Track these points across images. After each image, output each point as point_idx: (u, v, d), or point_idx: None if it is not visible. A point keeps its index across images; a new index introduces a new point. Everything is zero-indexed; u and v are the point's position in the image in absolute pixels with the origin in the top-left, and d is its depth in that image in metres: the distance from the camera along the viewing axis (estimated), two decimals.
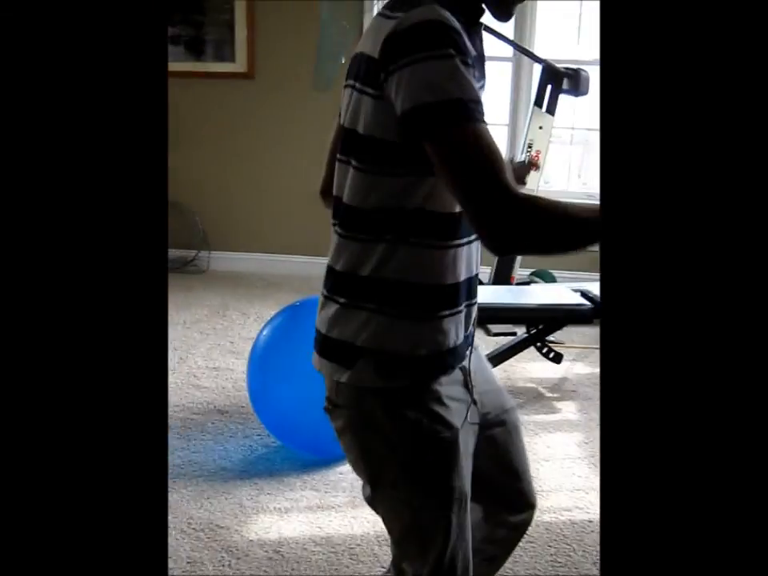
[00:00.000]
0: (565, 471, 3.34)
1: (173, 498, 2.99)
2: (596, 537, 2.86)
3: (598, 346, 4.67)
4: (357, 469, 1.65)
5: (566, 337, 4.67)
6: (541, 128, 4.79)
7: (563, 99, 4.67)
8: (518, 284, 5.03)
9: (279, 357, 3.18)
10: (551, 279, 5.42)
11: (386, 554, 2.64)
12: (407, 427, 1.53)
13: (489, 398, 1.74)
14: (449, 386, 1.58)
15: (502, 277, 4.95)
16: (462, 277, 1.55)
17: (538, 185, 4.93)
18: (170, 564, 2.61)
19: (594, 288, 4.05)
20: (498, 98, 5.62)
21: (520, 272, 5.13)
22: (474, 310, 1.64)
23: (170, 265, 5.52)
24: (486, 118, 1.36)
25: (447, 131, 1.33)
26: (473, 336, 1.67)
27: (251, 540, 2.79)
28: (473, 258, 1.58)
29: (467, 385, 1.63)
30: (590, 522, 2.96)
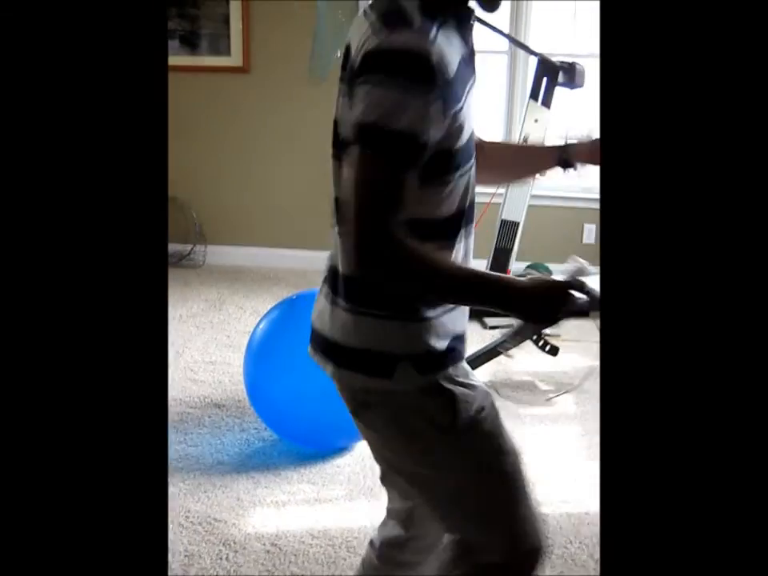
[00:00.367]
0: (561, 463, 3.35)
1: (170, 491, 2.99)
2: (592, 528, 2.87)
3: (595, 339, 4.68)
4: (403, 464, 1.66)
5: (562, 329, 4.67)
6: (536, 121, 4.78)
7: (559, 92, 4.67)
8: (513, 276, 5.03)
9: (276, 350, 3.19)
10: (547, 272, 5.42)
11: None
12: (455, 402, 1.57)
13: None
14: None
15: (497, 270, 4.95)
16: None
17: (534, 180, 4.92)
18: (168, 558, 2.61)
19: (590, 281, 4.04)
20: (493, 92, 5.62)
21: (516, 265, 5.13)
22: None
23: None
24: (414, 158, 1.39)
25: (371, 158, 1.38)
26: None
27: (248, 533, 2.79)
28: (470, 249, 1.63)
29: None
30: (587, 513, 2.97)
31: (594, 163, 1.82)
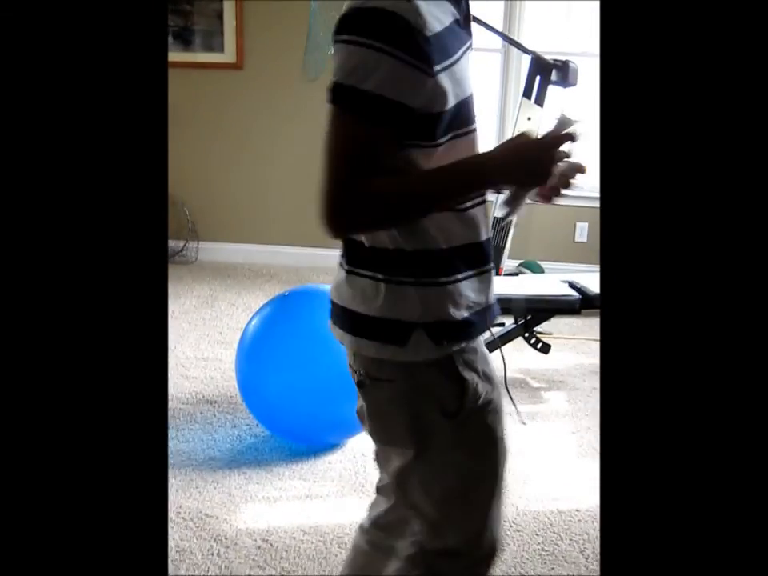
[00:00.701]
0: (552, 461, 3.35)
1: None
2: (583, 525, 2.88)
3: (586, 337, 4.70)
4: (395, 440, 1.64)
5: (554, 327, 4.68)
6: (529, 119, 4.79)
7: (552, 90, 4.68)
8: (506, 275, 5.04)
9: (268, 347, 3.19)
10: (539, 270, 5.43)
11: None
12: (466, 391, 1.56)
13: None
14: (481, 345, 1.64)
15: None
16: (485, 236, 1.60)
17: None
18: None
19: (582, 279, 4.06)
20: (487, 89, 5.63)
21: (508, 263, 5.14)
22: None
23: None
24: (385, 117, 1.39)
25: (337, 114, 1.40)
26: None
27: (240, 529, 2.80)
28: (481, 221, 1.59)
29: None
30: (577, 510, 2.97)
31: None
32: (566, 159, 1.52)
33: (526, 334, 4.08)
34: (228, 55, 5.65)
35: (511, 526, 2.85)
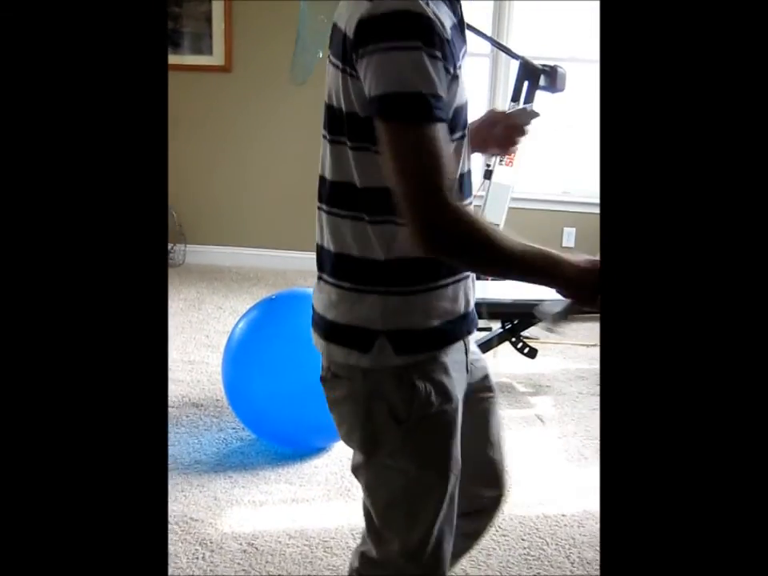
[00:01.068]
0: (538, 465, 3.36)
1: None
2: (568, 530, 2.88)
3: (573, 342, 4.70)
4: (350, 437, 1.64)
5: (541, 332, 4.69)
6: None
7: (540, 95, 4.68)
8: (493, 279, 5.04)
9: (254, 350, 3.19)
10: None
11: None
12: (416, 398, 1.55)
13: (476, 366, 1.79)
14: (453, 354, 1.61)
15: None
16: None
17: (514, 182, 4.94)
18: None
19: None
20: (475, 94, 5.63)
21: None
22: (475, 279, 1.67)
23: None
24: (444, 114, 1.38)
25: (403, 126, 1.37)
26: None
27: (225, 533, 2.79)
28: None
29: (467, 353, 1.67)
30: (563, 515, 2.98)
31: (482, 148, 1.85)
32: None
33: (513, 339, 4.08)
34: (216, 58, 5.64)
35: (497, 531, 2.84)
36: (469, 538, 1.95)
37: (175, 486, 3.05)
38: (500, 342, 4.06)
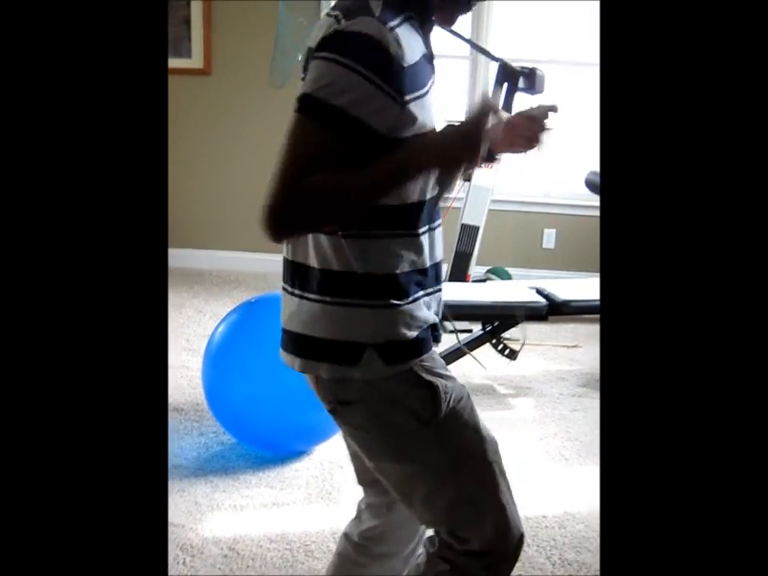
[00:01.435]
0: (519, 467, 3.36)
1: None
2: (549, 532, 2.88)
3: (553, 343, 4.71)
4: (386, 457, 1.64)
5: (521, 334, 4.70)
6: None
7: (519, 97, 4.69)
8: (473, 281, 5.06)
9: (234, 354, 3.17)
10: (507, 276, 5.44)
11: None
12: (433, 393, 1.57)
13: None
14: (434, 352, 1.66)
15: (457, 274, 4.97)
16: (438, 258, 1.65)
17: (494, 184, 4.95)
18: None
19: (549, 285, 4.08)
20: (454, 96, 5.64)
21: (476, 269, 5.15)
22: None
23: None
24: (352, 136, 1.41)
25: (302, 121, 1.43)
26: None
27: (206, 537, 2.78)
28: (436, 247, 1.66)
29: None
30: (544, 516, 2.98)
31: (510, 149, 1.85)
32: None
33: (494, 341, 4.09)
34: (196, 61, 5.63)
35: None
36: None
37: None
38: (481, 344, 4.06)
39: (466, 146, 1.47)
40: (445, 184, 1.56)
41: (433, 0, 1.56)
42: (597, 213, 5.57)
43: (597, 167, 4.79)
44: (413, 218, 1.56)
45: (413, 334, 1.57)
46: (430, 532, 1.76)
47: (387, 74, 1.40)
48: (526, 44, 5.59)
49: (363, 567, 1.91)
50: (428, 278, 1.62)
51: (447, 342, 4.37)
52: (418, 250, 1.58)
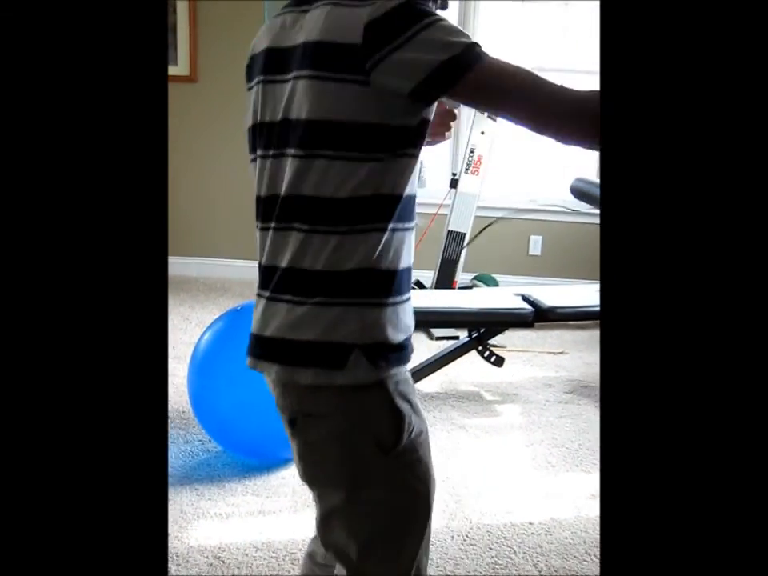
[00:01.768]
0: (506, 474, 3.36)
1: None
2: (536, 539, 2.88)
3: (540, 350, 4.72)
4: (329, 479, 1.57)
5: (508, 340, 4.70)
6: (483, 133, 4.82)
7: None
8: (460, 288, 5.06)
9: (220, 362, 3.17)
10: (493, 283, 5.45)
11: None
12: (402, 423, 1.51)
13: None
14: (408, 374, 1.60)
15: (444, 281, 4.98)
16: (412, 260, 1.57)
17: (480, 191, 4.96)
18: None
19: (535, 292, 4.09)
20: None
21: (462, 276, 5.16)
22: None
23: None
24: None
25: (484, 71, 1.39)
26: None
27: (192, 546, 2.77)
28: (413, 246, 1.59)
29: None
30: (531, 523, 2.98)
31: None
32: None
33: (480, 348, 4.09)
34: (181, 68, 5.63)
35: (465, 540, 2.84)
36: None
37: None
38: (467, 351, 4.06)
39: None
40: None
41: None
42: (583, 220, 5.59)
43: (583, 174, 4.81)
44: (408, 211, 1.51)
45: (400, 337, 1.51)
46: None
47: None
48: (513, 51, 5.60)
49: None
50: (410, 279, 1.56)
51: (434, 349, 4.38)
52: (409, 246, 1.53)
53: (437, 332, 4.80)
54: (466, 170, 4.93)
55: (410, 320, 1.56)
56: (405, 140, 1.44)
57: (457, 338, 4.21)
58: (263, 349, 1.56)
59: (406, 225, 1.52)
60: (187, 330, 4.81)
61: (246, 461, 3.31)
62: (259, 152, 1.52)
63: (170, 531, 2.84)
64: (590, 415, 3.92)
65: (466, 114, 5.48)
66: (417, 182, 1.52)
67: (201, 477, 3.22)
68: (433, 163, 5.74)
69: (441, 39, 1.37)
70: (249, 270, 5.65)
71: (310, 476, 1.61)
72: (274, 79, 1.48)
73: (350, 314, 1.47)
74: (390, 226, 1.47)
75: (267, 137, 1.51)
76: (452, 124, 1.77)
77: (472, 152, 4.89)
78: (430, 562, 2.63)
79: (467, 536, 2.87)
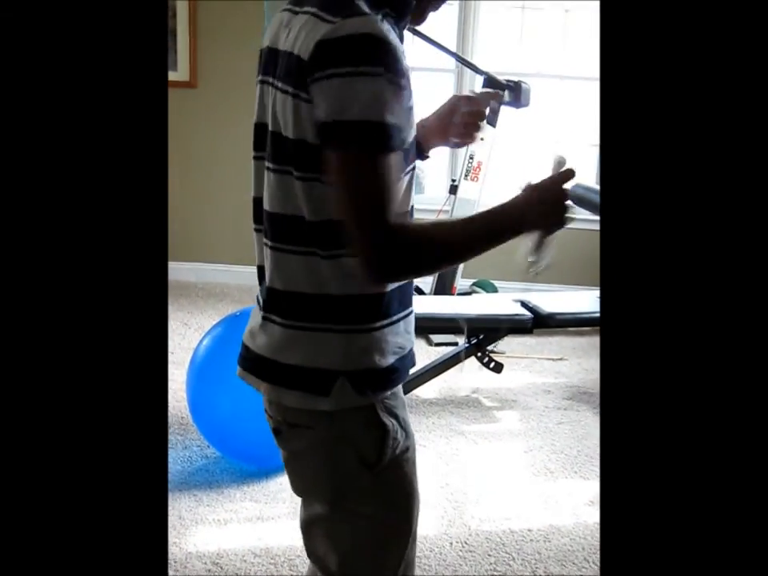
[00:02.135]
0: (505, 480, 3.36)
1: None
2: (535, 545, 2.88)
3: (539, 356, 4.72)
4: (313, 490, 1.57)
5: (507, 347, 4.70)
6: (482, 139, 4.81)
7: (504, 111, 4.71)
8: (459, 294, 5.06)
9: (219, 367, 3.15)
10: (492, 289, 5.45)
11: None
12: (386, 439, 1.49)
13: None
14: (400, 390, 1.58)
15: (443, 287, 4.98)
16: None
17: (479, 197, 4.96)
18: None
19: (534, 298, 4.08)
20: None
21: (461, 282, 5.15)
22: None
23: None
24: (402, 142, 1.34)
25: (358, 156, 1.32)
26: None
27: (190, 552, 2.76)
28: None
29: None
30: (529, 530, 2.98)
31: (443, 138, 1.76)
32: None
33: (479, 354, 4.09)
34: (181, 73, 5.62)
35: (463, 547, 2.84)
36: None
37: None
38: (466, 357, 4.06)
39: (557, 213, 1.52)
40: (541, 249, 1.58)
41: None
42: (582, 226, 5.59)
43: (582, 180, 4.81)
44: None
45: (388, 360, 1.48)
46: None
47: (401, 74, 1.30)
48: (511, 57, 5.61)
49: None
50: (406, 296, 1.54)
51: (433, 355, 4.38)
52: None
53: (436, 338, 4.80)
54: (466, 176, 4.93)
55: (403, 339, 1.53)
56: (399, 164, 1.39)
57: (456, 344, 4.20)
58: (251, 363, 1.56)
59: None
60: (186, 336, 4.80)
61: (245, 467, 3.30)
62: (256, 153, 1.50)
63: (168, 537, 2.83)
64: (589, 422, 3.91)
65: None
66: (410, 198, 1.48)
67: (199, 483, 3.22)
68: (432, 169, 5.74)
69: (354, 97, 1.28)
70: (248, 276, 5.62)
71: (294, 484, 1.61)
72: (268, 80, 1.45)
73: (334, 341, 1.45)
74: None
75: (261, 138, 1.48)
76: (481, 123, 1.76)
77: (471, 158, 4.90)
78: (428, 568, 2.64)
79: (466, 542, 2.87)
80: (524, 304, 4.01)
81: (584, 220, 5.52)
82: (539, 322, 3.89)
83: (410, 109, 1.37)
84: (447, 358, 4.01)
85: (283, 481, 3.23)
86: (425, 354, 4.43)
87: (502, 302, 4.12)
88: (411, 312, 1.57)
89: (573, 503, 3.19)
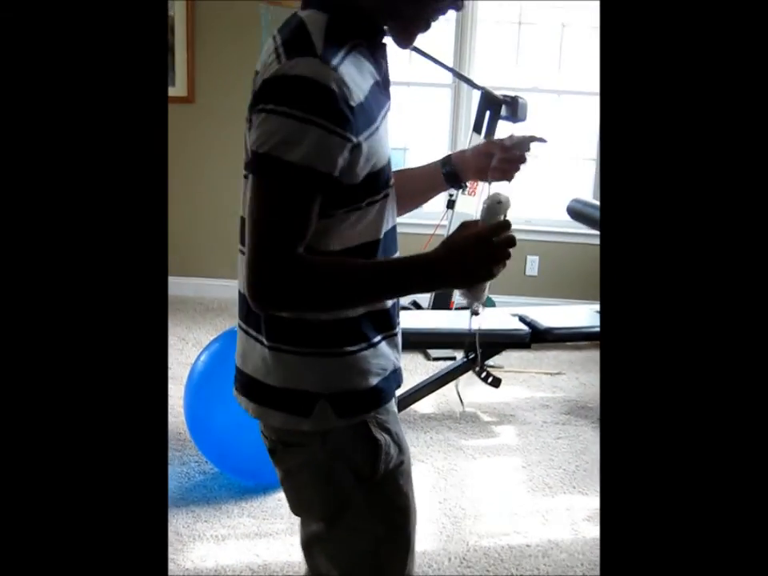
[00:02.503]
0: (503, 495, 3.35)
1: None
2: (533, 561, 2.87)
3: (537, 371, 4.71)
4: (308, 508, 1.59)
5: (505, 361, 4.70)
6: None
7: (502, 125, 4.72)
8: (456, 309, 5.06)
9: (216, 383, 3.15)
10: (490, 304, 5.45)
11: None
12: (379, 453, 1.51)
13: None
14: (393, 405, 1.59)
15: (441, 302, 4.97)
16: (392, 300, 1.55)
17: (477, 211, 4.96)
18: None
19: (532, 313, 4.08)
20: (437, 125, 5.67)
21: (459, 297, 5.15)
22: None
23: None
24: (318, 187, 1.36)
25: (263, 184, 1.37)
26: None
27: (187, 569, 2.75)
28: None
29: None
30: (528, 546, 2.97)
31: (481, 176, 1.77)
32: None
33: (477, 368, 4.08)
34: (179, 89, 5.63)
35: (461, 563, 2.83)
36: None
37: None
38: (464, 372, 4.05)
39: (479, 270, 1.44)
40: (470, 296, 1.53)
41: (380, 24, 1.47)
42: (579, 240, 5.60)
43: (579, 195, 4.82)
44: (369, 257, 1.48)
45: (370, 382, 1.50)
46: None
47: (336, 115, 1.32)
48: (508, 72, 5.62)
49: None
50: (387, 319, 1.54)
51: (431, 370, 4.37)
52: None
53: (433, 353, 4.79)
54: (463, 190, 4.94)
55: (386, 360, 1.54)
56: (347, 198, 1.42)
57: (453, 358, 4.20)
58: (241, 384, 1.59)
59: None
60: (183, 351, 4.80)
61: (243, 483, 3.30)
62: (246, 171, 1.51)
63: None
64: (587, 436, 3.91)
65: (464, 135, 5.49)
66: (381, 225, 1.49)
67: (197, 498, 3.21)
68: None
69: (270, 132, 1.33)
70: None
71: (291, 503, 1.63)
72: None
73: (313, 364, 1.48)
74: None
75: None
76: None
77: None
78: None
79: (464, 558, 2.86)
80: (522, 318, 4.02)
81: (579, 234, 5.55)
82: (537, 337, 3.89)
83: (359, 146, 1.38)
84: (445, 373, 4.01)
85: (281, 497, 3.21)
86: (422, 369, 4.42)
87: (500, 317, 4.12)
88: (395, 333, 1.58)
89: (571, 518, 3.18)
